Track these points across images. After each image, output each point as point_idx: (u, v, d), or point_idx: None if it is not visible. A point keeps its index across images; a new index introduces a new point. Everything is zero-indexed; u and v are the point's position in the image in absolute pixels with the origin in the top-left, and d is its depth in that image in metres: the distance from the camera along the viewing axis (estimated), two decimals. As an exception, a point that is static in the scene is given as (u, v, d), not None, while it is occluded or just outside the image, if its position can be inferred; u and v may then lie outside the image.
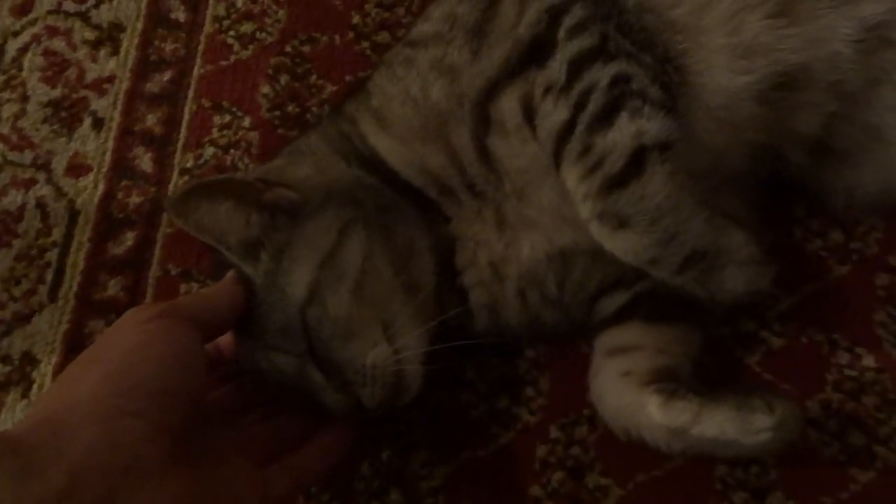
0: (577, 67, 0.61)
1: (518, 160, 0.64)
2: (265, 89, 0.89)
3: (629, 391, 0.64)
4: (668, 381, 0.63)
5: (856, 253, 0.76)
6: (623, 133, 0.59)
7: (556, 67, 0.61)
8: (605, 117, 0.59)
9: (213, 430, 0.60)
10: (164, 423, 0.52)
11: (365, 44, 0.91)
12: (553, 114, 0.60)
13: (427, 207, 0.67)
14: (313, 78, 0.90)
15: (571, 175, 0.60)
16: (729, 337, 0.74)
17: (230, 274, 0.64)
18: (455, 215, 0.68)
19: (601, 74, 0.60)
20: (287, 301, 0.61)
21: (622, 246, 0.59)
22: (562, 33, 0.62)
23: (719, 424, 0.59)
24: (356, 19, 0.92)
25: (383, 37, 0.91)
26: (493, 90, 0.63)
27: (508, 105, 0.62)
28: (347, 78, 0.89)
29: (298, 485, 0.63)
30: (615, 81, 0.60)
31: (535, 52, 0.62)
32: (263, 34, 0.92)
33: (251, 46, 0.92)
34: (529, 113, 0.62)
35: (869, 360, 0.72)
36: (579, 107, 0.60)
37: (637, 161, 0.58)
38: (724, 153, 0.66)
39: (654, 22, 0.64)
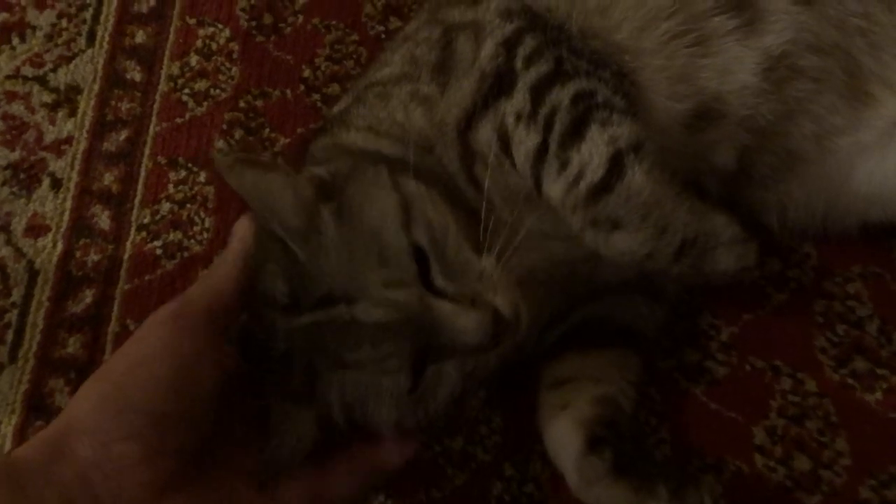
0: (538, 93, 0.63)
1: (502, 190, 0.65)
2: (220, 144, 0.91)
3: (563, 425, 0.65)
4: (604, 425, 0.64)
5: (793, 280, 0.78)
6: (597, 142, 0.61)
7: (521, 97, 0.64)
8: (575, 132, 0.62)
9: (222, 449, 0.58)
10: (160, 446, 0.51)
11: (316, 96, 0.94)
12: (525, 140, 0.63)
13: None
14: (266, 131, 0.92)
15: (555, 191, 0.62)
16: (674, 368, 0.76)
17: (231, 254, 0.62)
18: None
19: (562, 95, 0.63)
20: (381, 231, 0.58)
21: (619, 247, 0.61)
22: (519, 64, 0.65)
23: (614, 498, 0.61)
24: (307, 73, 0.95)
25: (333, 89, 0.94)
26: (469, 122, 0.65)
27: (485, 136, 0.65)
28: (299, 130, 0.92)
29: None
30: (577, 99, 0.63)
31: (500, 83, 0.65)
32: (217, 91, 0.95)
33: (205, 103, 0.94)
34: (506, 142, 0.64)
35: (811, 385, 0.74)
36: (548, 129, 0.62)
37: (616, 165, 0.61)
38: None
39: (601, 45, 0.67)
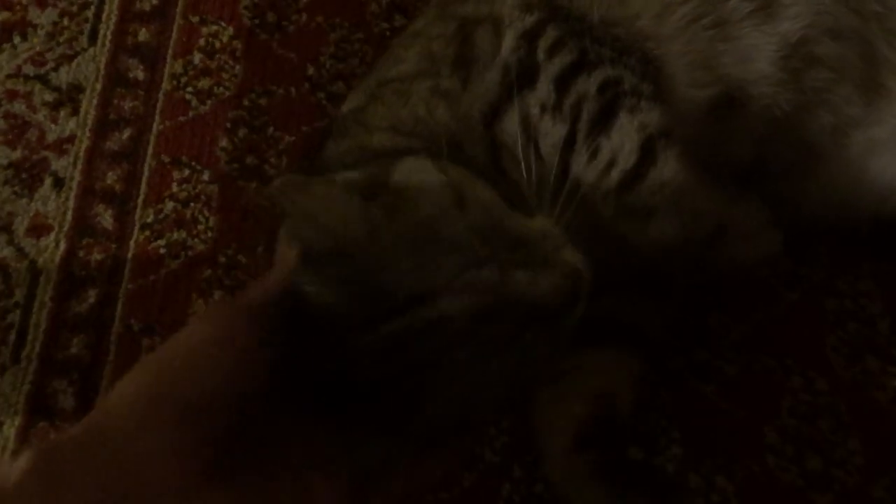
0: (563, 84, 0.63)
1: (530, 183, 0.63)
2: (223, 142, 0.90)
3: (554, 419, 0.65)
4: (596, 423, 0.64)
5: (804, 279, 0.78)
6: (627, 129, 0.61)
7: (544, 88, 0.63)
8: (604, 121, 0.62)
9: (274, 442, 0.52)
10: (204, 434, 0.47)
11: (321, 94, 0.93)
12: (552, 131, 0.63)
13: None
14: (271, 130, 0.91)
15: (586, 179, 0.61)
16: (684, 367, 0.75)
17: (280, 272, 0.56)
18: None
19: (588, 84, 0.63)
20: (439, 217, 0.54)
21: (654, 234, 0.61)
22: (541, 55, 0.64)
23: (590, 499, 0.61)
24: (311, 71, 0.94)
25: (339, 87, 0.93)
26: (494, 114, 0.64)
27: (511, 128, 0.64)
28: (304, 128, 0.91)
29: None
30: (603, 87, 0.63)
31: (524, 75, 0.64)
32: (221, 89, 0.94)
33: (209, 101, 0.93)
34: (532, 134, 0.64)
35: (822, 384, 0.74)
36: (575, 118, 0.62)
37: (648, 151, 0.61)
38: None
39: (623, 33, 0.67)
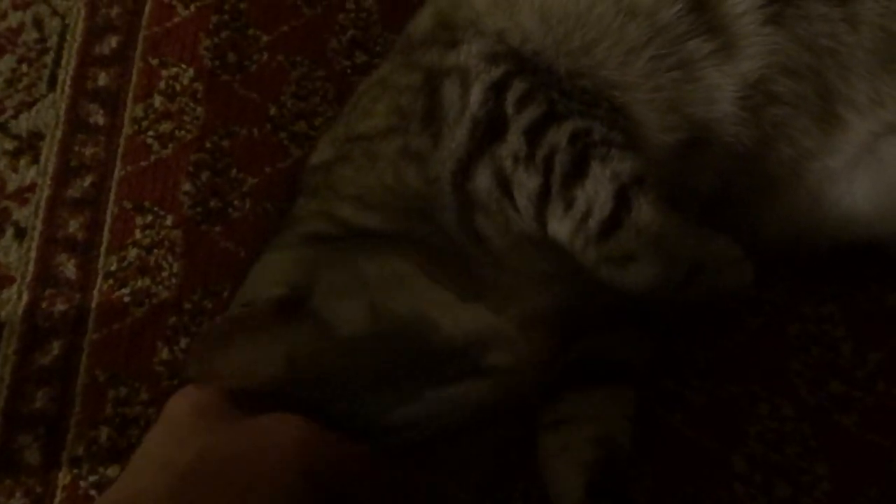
0: (533, 136, 0.63)
1: (506, 237, 0.66)
2: (186, 186, 0.90)
3: (563, 469, 0.65)
4: (604, 467, 0.64)
5: (767, 304, 0.78)
6: (600, 179, 0.62)
7: (515, 140, 0.64)
8: (577, 172, 0.62)
9: None
10: None
11: (283, 134, 0.93)
12: (527, 182, 0.63)
13: None
14: (234, 172, 0.91)
15: (563, 230, 0.62)
16: (651, 398, 0.76)
17: None
18: None
19: (559, 136, 0.63)
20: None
21: (634, 279, 0.62)
22: (509, 108, 0.65)
23: None
24: (273, 111, 0.94)
25: (300, 126, 0.93)
26: (465, 171, 0.65)
27: (484, 184, 0.64)
28: (267, 169, 0.91)
29: None
30: (574, 138, 0.63)
31: (494, 128, 0.65)
32: (182, 132, 0.94)
33: (171, 145, 0.93)
34: (506, 187, 0.64)
35: (788, 410, 0.74)
36: (548, 170, 0.63)
37: (623, 199, 0.61)
38: None
39: (589, 84, 0.67)
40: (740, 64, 0.67)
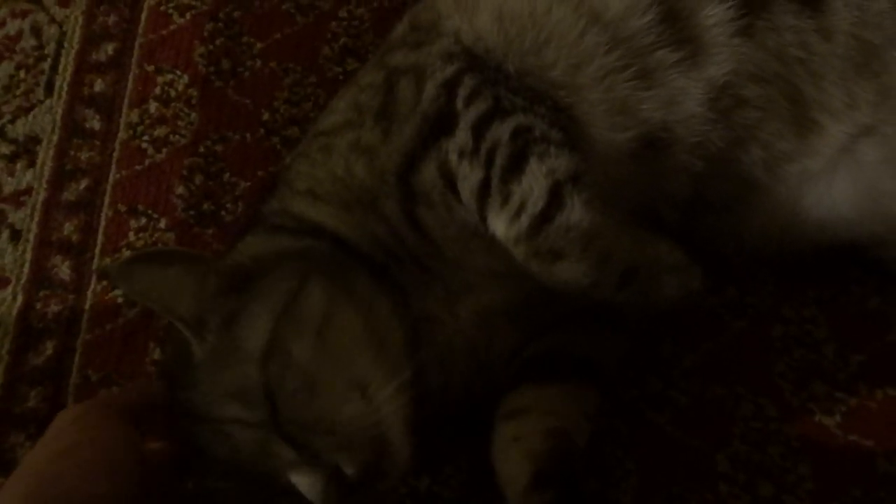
0: (479, 130, 0.65)
1: (448, 229, 0.67)
2: (180, 190, 0.91)
3: (512, 458, 0.66)
4: (554, 459, 0.65)
5: (751, 307, 0.79)
6: (536, 175, 0.63)
7: (463, 135, 0.65)
8: (516, 167, 0.64)
9: None
10: None
11: (275, 139, 0.94)
12: (470, 176, 0.65)
13: (381, 275, 0.67)
14: (227, 176, 0.92)
15: (499, 224, 0.64)
16: (638, 398, 0.76)
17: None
18: (408, 286, 0.68)
19: (501, 131, 0.65)
20: (243, 359, 0.58)
21: (562, 276, 0.62)
22: (459, 104, 0.67)
23: None
24: (266, 116, 0.96)
25: (293, 131, 0.94)
26: (411, 164, 0.67)
27: (429, 176, 0.66)
28: (259, 173, 0.92)
29: None
30: (515, 134, 0.65)
31: (442, 123, 0.67)
32: (177, 137, 0.95)
33: (165, 150, 0.94)
34: (450, 180, 0.66)
35: (771, 411, 0.75)
36: (489, 164, 0.64)
37: (556, 196, 0.62)
38: (616, 201, 0.69)
39: (536, 82, 0.69)
40: (707, 69, 0.68)
